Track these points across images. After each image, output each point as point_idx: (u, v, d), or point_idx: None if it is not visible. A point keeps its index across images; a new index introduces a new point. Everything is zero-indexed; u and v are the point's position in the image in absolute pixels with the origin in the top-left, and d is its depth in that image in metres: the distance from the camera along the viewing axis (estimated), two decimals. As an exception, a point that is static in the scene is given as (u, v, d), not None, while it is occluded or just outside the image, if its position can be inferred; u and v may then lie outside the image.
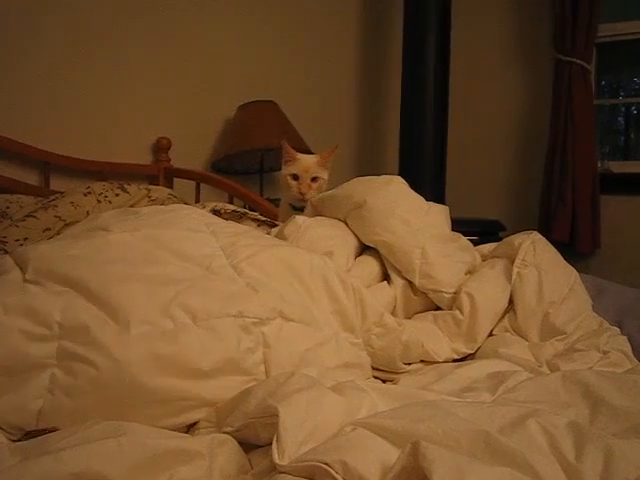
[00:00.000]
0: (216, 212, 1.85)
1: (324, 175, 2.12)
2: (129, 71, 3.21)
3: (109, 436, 0.92)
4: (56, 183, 2.90)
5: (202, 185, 3.19)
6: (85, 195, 2.35)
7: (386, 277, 1.70)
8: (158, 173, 3.20)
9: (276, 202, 2.90)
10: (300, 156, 2.13)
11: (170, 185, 3.18)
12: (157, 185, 2.98)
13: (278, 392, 0.99)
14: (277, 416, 0.91)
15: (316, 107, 3.95)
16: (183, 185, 3.21)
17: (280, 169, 2.07)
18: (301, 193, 2.05)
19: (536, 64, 4.30)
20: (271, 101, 3.46)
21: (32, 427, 1.01)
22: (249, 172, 3.58)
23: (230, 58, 3.60)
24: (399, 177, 1.84)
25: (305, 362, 1.21)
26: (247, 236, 1.43)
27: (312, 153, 3.40)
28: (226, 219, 1.84)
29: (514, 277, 1.66)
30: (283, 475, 0.86)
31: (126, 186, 2.51)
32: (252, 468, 0.96)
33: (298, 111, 3.61)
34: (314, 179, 2.08)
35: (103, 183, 2.48)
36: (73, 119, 3.00)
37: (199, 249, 1.31)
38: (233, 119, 3.48)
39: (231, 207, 1.89)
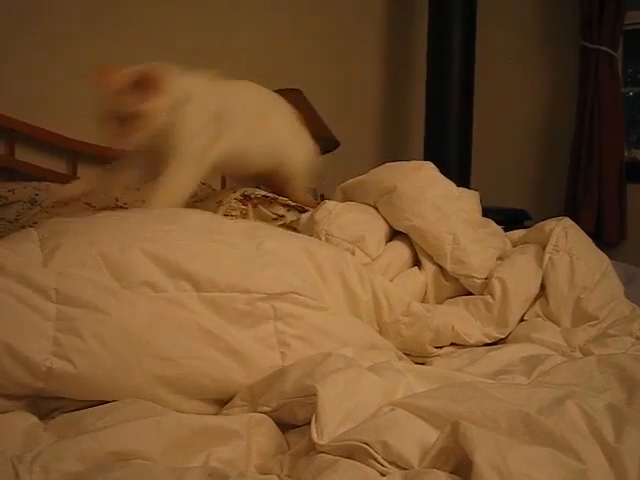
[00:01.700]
0: (246, 197, 1.85)
1: None
2: (154, 58, 3.21)
3: (146, 416, 0.93)
4: (84, 171, 2.92)
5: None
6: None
7: (417, 262, 1.70)
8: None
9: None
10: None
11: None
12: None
13: (315, 372, 1.00)
14: (315, 396, 0.92)
15: (342, 95, 3.94)
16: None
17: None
18: None
19: (562, 52, 4.26)
20: (297, 89, 3.45)
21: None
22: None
23: (256, 47, 3.59)
24: (430, 162, 1.84)
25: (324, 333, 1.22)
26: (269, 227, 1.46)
27: (338, 142, 3.42)
28: (256, 204, 1.85)
29: (546, 262, 1.65)
30: (322, 454, 0.86)
31: (155, 174, 2.50)
32: (289, 448, 0.96)
33: (324, 99, 3.59)
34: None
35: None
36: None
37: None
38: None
39: (261, 192, 1.89)
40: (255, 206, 1.86)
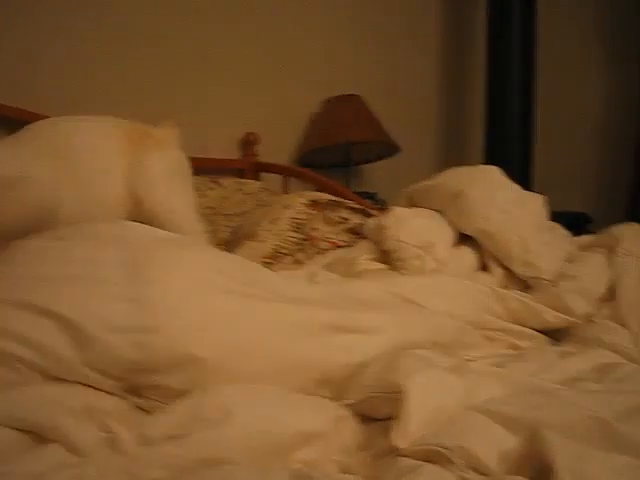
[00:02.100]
0: (314, 202, 1.88)
1: None
2: (217, 68, 3.25)
3: (222, 417, 0.95)
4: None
5: (287, 179, 3.22)
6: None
7: (483, 266, 1.71)
8: (246, 167, 3.24)
9: (362, 196, 2.92)
10: None
11: (257, 179, 3.22)
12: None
13: (397, 368, 1.01)
14: (400, 393, 0.93)
15: (400, 101, 3.93)
16: (269, 179, 3.24)
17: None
18: None
19: (625, 52, 4.19)
20: (356, 95, 3.47)
21: None
22: (333, 166, 3.60)
23: (315, 53, 3.61)
24: (496, 167, 1.84)
25: None
26: None
27: (397, 147, 3.42)
28: (323, 209, 1.87)
29: (616, 266, 1.63)
30: (403, 458, 0.87)
31: (220, 180, 2.55)
32: (370, 444, 0.97)
33: (383, 105, 3.60)
34: None
35: (197, 177, 2.53)
36: (166, 115, 3.06)
37: None
38: (318, 113, 3.50)
39: (327, 197, 1.91)
40: (322, 210, 1.88)
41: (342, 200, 1.94)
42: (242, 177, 3.09)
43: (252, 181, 2.78)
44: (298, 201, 1.87)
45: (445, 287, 1.42)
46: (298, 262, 1.76)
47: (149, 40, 3.04)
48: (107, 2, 2.91)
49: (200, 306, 1.11)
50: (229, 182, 2.57)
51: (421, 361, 1.05)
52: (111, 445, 0.92)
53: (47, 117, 2.54)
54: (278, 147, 3.44)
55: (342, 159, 3.52)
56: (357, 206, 1.95)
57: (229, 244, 1.93)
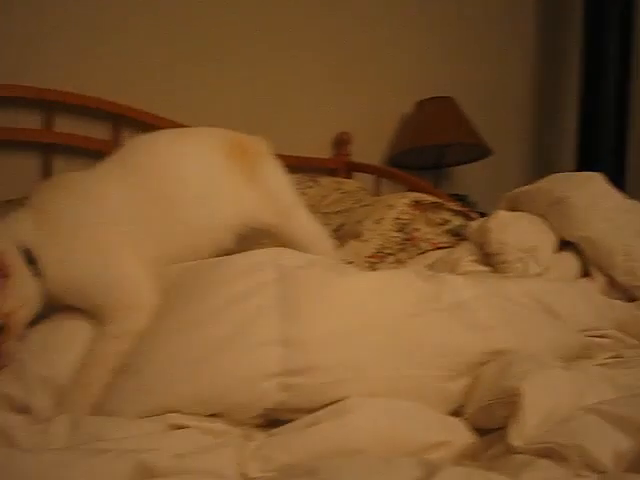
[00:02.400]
0: (417, 203, 1.92)
1: None
2: (311, 69, 3.31)
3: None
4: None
5: (379, 179, 3.25)
6: (281, 187, 2.46)
7: (585, 273, 1.71)
8: (338, 167, 3.29)
9: (452, 198, 2.93)
10: None
11: (349, 179, 3.25)
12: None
13: (510, 373, 1.04)
14: (518, 395, 0.96)
15: (494, 103, 3.92)
16: (361, 179, 3.28)
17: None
18: None
19: None
20: (449, 97, 3.48)
21: None
22: (423, 168, 3.62)
23: (409, 54, 3.64)
24: (600, 174, 1.84)
25: None
26: None
27: (490, 149, 3.42)
28: (425, 210, 1.91)
29: None
30: (518, 455, 0.90)
31: (318, 178, 2.60)
32: (486, 450, 1.01)
33: (475, 107, 3.60)
34: None
35: (296, 175, 2.58)
36: (261, 114, 3.14)
37: None
38: (411, 115, 3.52)
39: (430, 198, 1.95)
40: (424, 211, 1.92)
41: (443, 202, 1.97)
42: (334, 176, 3.13)
43: (350, 180, 2.82)
44: (401, 201, 1.91)
45: (569, 291, 1.42)
46: (400, 262, 1.81)
47: (241, 40, 3.12)
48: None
49: (354, 345, 1.11)
50: (327, 181, 2.62)
51: (534, 362, 1.07)
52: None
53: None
54: (369, 147, 3.48)
55: (433, 161, 3.53)
56: (458, 208, 1.98)
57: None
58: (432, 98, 3.48)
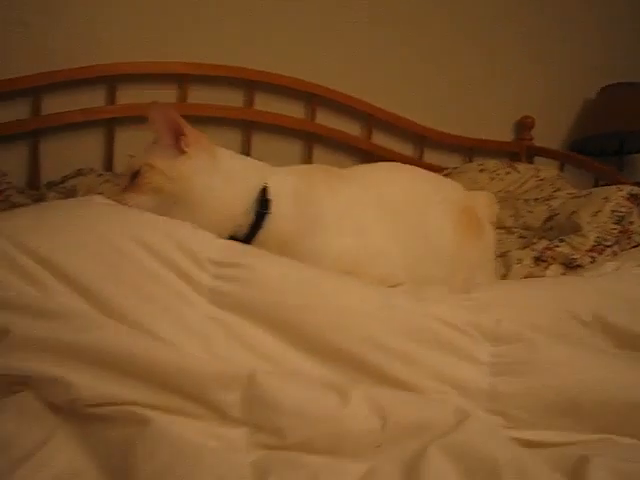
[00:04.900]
0: (632, 195, 1.93)
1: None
2: (499, 52, 3.34)
3: None
4: (428, 156, 3.11)
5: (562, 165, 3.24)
6: (480, 172, 2.53)
7: None
8: (520, 151, 3.30)
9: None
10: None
11: (530, 163, 3.25)
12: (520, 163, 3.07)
13: None
14: None
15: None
16: (542, 164, 3.27)
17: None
18: None
19: None
20: (635, 83, 3.41)
21: None
22: (604, 154, 3.57)
23: (593, 39, 3.59)
24: None
25: None
26: None
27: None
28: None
29: None
30: None
31: (516, 164, 2.63)
32: None
33: None
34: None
35: (494, 161, 2.63)
36: (448, 100, 3.20)
37: None
38: (595, 100, 3.49)
39: (647, 191, 1.96)
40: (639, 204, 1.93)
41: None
42: (515, 160, 3.15)
43: (550, 168, 2.82)
44: (618, 194, 1.93)
45: None
46: (615, 254, 1.83)
47: (436, 31, 3.17)
48: None
49: None
50: (524, 167, 2.65)
51: None
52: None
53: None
54: (550, 132, 3.47)
55: (615, 147, 3.49)
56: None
57: (545, 231, 2.06)
58: (618, 84, 3.42)
